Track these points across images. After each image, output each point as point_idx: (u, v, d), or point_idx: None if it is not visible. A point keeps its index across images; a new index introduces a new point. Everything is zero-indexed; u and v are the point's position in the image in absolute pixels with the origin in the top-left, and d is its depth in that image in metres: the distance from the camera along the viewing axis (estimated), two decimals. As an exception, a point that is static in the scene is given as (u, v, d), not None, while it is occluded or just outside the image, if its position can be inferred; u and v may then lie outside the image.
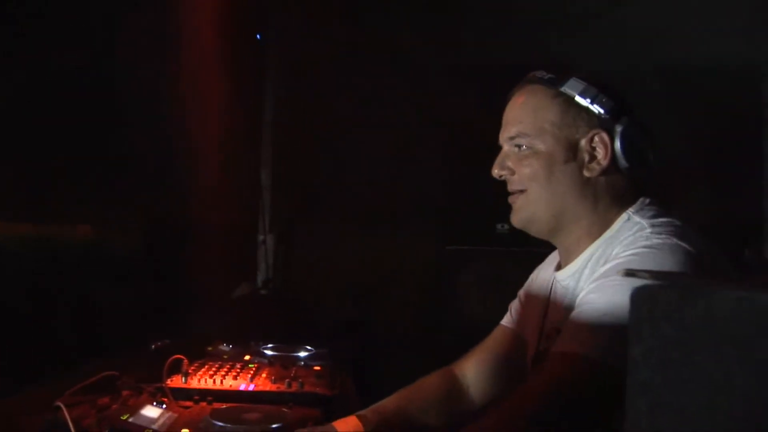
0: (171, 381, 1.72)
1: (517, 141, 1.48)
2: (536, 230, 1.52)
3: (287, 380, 1.75)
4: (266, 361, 2.04)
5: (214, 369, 1.86)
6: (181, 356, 1.79)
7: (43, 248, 2.16)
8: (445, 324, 3.24)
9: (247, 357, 2.07)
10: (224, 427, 1.44)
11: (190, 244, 2.77)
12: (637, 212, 1.43)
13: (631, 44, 3.21)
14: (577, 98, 1.44)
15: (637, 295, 0.59)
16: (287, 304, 3.44)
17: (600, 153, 1.43)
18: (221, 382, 1.76)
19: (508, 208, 1.55)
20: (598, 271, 1.37)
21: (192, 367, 1.85)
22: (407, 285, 3.46)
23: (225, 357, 2.06)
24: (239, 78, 3.24)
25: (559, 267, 1.56)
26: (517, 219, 1.52)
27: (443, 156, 3.47)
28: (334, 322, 3.30)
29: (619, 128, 1.42)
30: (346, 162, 3.64)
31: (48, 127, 1.99)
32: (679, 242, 1.30)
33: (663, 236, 1.32)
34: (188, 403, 1.62)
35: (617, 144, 1.42)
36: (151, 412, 1.51)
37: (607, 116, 1.42)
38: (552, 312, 1.53)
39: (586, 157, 1.44)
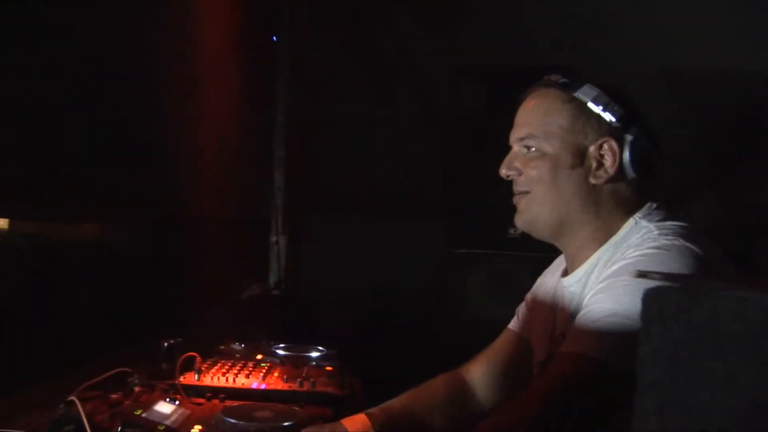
0: (184, 378, 1.74)
1: (527, 142, 1.49)
2: (539, 232, 1.52)
3: (299, 380, 1.76)
4: (278, 360, 2.05)
5: (226, 367, 1.88)
6: (194, 353, 1.81)
7: (57, 246, 2.19)
8: (453, 327, 3.24)
9: (258, 356, 2.08)
10: (236, 424, 1.46)
11: (203, 245, 2.79)
12: (644, 217, 1.44)
13: (641, 48, 3.21)
14: (590, 105, 1.44)
15: (647, 296, 0.60)
16: (298, 305, 3.46)
17: (608, 161, 1.44)
18: (233, 380, 1.77)
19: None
20: (605, 272, 1.38)
21: (204, 365, 1.86)
22: (417, 287, 3.47)
23: (237, 356, 2.08)
24: (253, 79, 3.26)
25: (565, 273, 1.56)
26: (520, 220, 1.53)
27: (455, 159, 3.47)
28: (343, 322, 3.32)
29: (629, 138, 1.42)
30: (358, 163, 3.65)
31: (64, 127, 2.02)
32: (688, 244, 1.31)
33: (671, 238, 1.33)
34: (200, 400, 1.64)
35: (626, 153, 1.42)
36: (164, 408, 1.53)
37: (618, 125, 1.43)
38: (560, 317, 1.53)
39: (594, 164, 1.44)
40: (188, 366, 1.79)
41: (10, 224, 1.97)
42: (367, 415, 1.48)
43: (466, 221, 3.35)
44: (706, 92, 3.32)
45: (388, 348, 3.14)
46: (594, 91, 1.45)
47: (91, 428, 1.35)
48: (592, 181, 1.45)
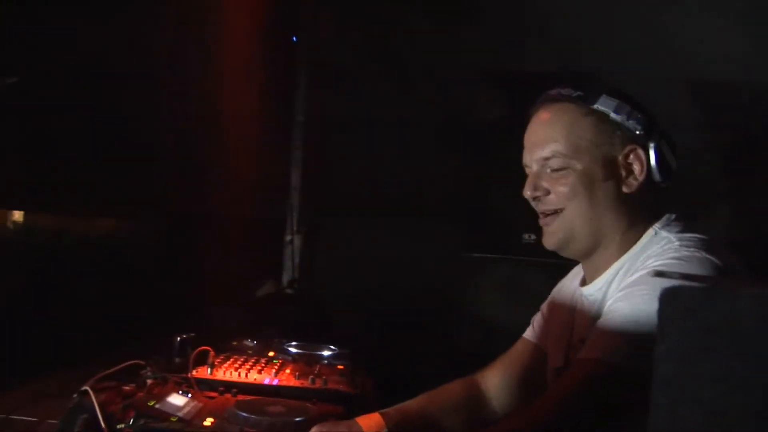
0: (197, 372, 1.75)
1: (553, 162, 1.47)
2: (572, 250, 1.51)
3: (311, 377, 1.77)
4: (290, 357, 2.06)
5: (239, 362, 1.89)
6: (208, 347, 1.82)
7: (78, 242, 2.21)
8: (465, 330, 3.24)
9: (271, 353, 2.09)
10: (248, 418, 1.46)
11: (219, 243, 2.81)
12: (663, 227, 1.44)
13: (658, 57, 3.20)
14: (612, 115, 1.44)
15: (664, 295, 0.60)
16: (311, 304, 3.46)
17: (636, 168, 1.45)
18: (246, 375, 1.78)
19: (535, 217, 1.55)
20: (625, 281, 1.37)
21: (217, 360, 1.87)
22: (430, 290, 3.46)
23: (249, 352, 2.08)
24: (272, 79, 3.28)
25: (583, 282, 1.56)
26: (553, 240, 1.50)
27: (473, 163, 3.47)
28: (355, 323, 3.32)
29: (652, 144, 1.43)
30: (375, 164, 3.66)
31: (93, 126, 2.05)
32: (708, 256, 1.31)
33: (692, 249, 1.33)
34: (213, 394, 1.64)
35: (652, 160, 1.43)
36: (176, 400, 1.53)
37: (642, 132, 1.44)
38: (578, 325, 1.53)
39: (623, 173, 1.45)
40: (201, 360, 1.80)
41: (32, 220, 2.00)
42: (382, 414, 1.48)
43: (482, 225, 3.35)
44: (725, 104, 3.30)
45: (400, 350, 3.14)
46: (613, 101, 1.45)
47: (104, 418, 1.36)
48: (625, 190, 1.45)
